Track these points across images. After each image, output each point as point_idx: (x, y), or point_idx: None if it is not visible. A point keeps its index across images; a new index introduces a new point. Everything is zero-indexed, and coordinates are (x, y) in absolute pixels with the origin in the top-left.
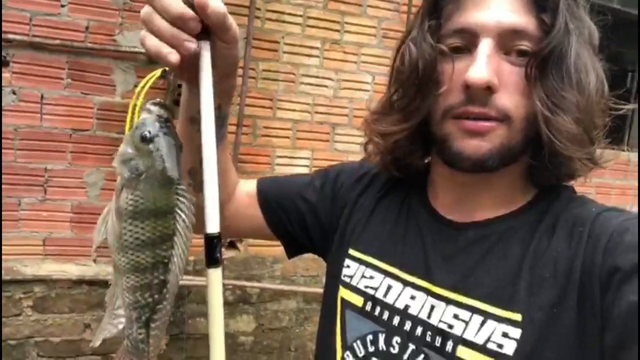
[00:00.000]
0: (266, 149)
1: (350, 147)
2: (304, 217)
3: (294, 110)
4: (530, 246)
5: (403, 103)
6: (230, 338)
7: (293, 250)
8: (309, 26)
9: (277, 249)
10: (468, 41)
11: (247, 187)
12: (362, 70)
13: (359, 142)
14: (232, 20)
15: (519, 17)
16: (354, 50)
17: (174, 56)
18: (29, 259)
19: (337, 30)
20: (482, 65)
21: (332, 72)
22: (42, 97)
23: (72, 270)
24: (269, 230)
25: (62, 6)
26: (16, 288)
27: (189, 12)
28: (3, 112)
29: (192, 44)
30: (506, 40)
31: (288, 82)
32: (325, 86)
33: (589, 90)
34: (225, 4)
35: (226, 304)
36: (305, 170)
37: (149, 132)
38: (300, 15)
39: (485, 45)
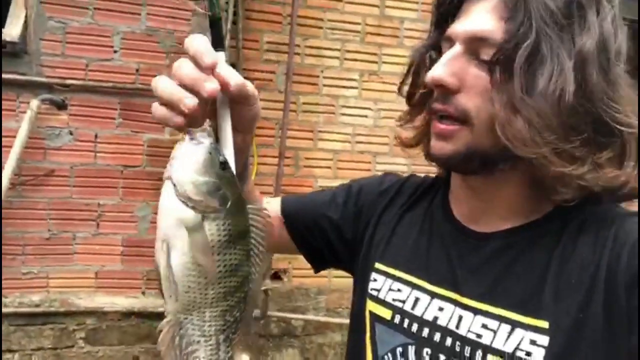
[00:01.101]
0: (308, 179)
1: None
2: (328, 234)
3: (334, 140)
4: (555, 252)
5: (413, 100)
6: None
7: (319, 265)
8: (347, 59)
9: (321, 279)
10: (450, 47)
11: (271, 206)
12: (402, 100)
13: (402, 171)
14: (249, 85)
15: (488, 25)
16: (392, 79)
17: (190, 101)
18: (82, 291)
19: (375, 62)
20: (439, 66)
21: (371, 102)
22: (96, 136)
23: (121, 302)
24: (294, 246)
25: (115, 52)
26: (70, 320)
27: (203, 76)
28: (60, 151)
29: (212, 84)
30: (473, 47)
31: (328, 113)
32: (365, 116)
33: (554, 95)
34: (267, 42)
35: (271, 336)
36: None
37: (224, 157)
38: (339, 49)
39: (454, 49)
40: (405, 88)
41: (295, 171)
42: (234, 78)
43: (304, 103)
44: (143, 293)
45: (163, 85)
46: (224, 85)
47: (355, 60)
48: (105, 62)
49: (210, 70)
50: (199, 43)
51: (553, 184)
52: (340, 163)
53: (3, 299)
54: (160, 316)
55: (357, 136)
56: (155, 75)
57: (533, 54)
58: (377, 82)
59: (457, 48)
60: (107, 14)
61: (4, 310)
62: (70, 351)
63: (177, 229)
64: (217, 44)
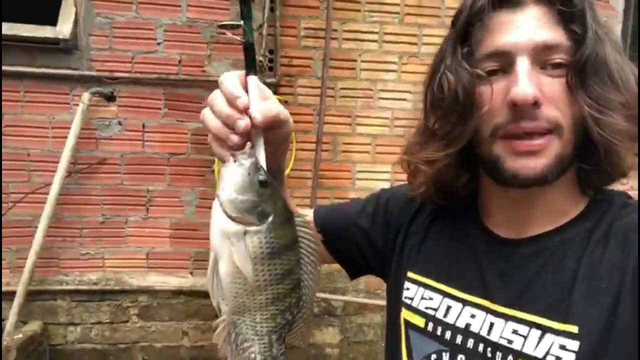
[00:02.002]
0: (346, 164)
1: None
2: (360, 244)
3: (373, 125)
4: (584, 258)
5: (446, 129)
6: (316, 349)
7: (354, 273)
8: (385, 42)
9: None
10: (503, 62)
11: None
12: None
13: None
14: (282, 112)
15: (549, 32)
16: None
17: (234, 138)
18: (134, 271)
19: (415, 44)
20: (525, 83)
21: (410, 85)
22: (143, 126)
23: (171, 281)
24: (329, 256)
25: (158, 44)
26: (124, 297)
27: (235, 114)
28: (111, 141)
29: (244, 122)
30: (540, 56)
31: (366, 98)
32: (404, 99)
33: (632, 88)
34: (304, 28)
35: (312, 315)
36: (386, 184)
37: (262, 176)
38: (377, 32)
39: (523, 63)
40: (435, 115)
41: (333, 156)
42: (263, 113)
43: (341, 88)
44: (191, 273)
45: (209, 123)
46: (254, 124)
47: (394, 42)
48: (149, 55)
49: (243, 111)
50: (230, 85)
51: (593, 176)
52: (378, 147)
53: (65, 277)
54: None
55: (395, 120)
56: (196, 66)
57: (602, 52)
58: (417, 64)
59: (526, 61)
60: (150, 7)
61: (66, 287)
62: (125, 326)
63: (222, 241)
64: (251, 68)
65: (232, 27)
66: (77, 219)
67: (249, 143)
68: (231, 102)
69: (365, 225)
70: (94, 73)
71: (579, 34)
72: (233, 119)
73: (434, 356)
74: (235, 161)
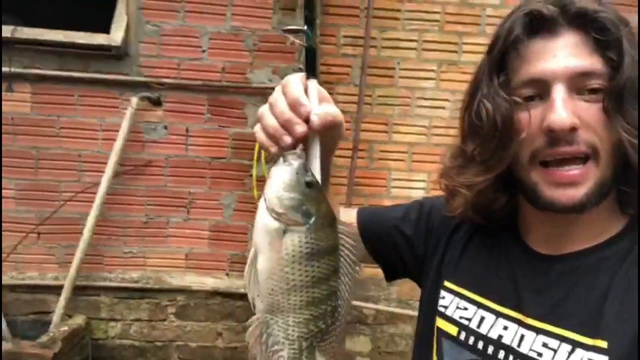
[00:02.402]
0: (382, 172)
1: None
2: (401, 248)
3: (409, 133)
4: (618, 275)
5: (485, 155)
6: (347, 358)
7: (391, 276)
8: (424, 50)
9: None
10: (540, 90)
11: (347, 217)
12: None
13: None
14: (339, 116)
15: (585, 60)
16: (471, 69)
17: (287, 139)
18: (174, 271)
19: (455, 52)
20: (562, 109)
21: (449, 93)
22: (187, 130)
23: (208, 282)
24: (369, 257)
25: (203, 51)
26: (163, 296)
27: (295, 119)
28: (157, 144)
29: (302, 128)
30: (577, 83)
31: (404, 105)
32: (443, 107)
33: None
34: (344, 36)
35: None
36: (421, 193)
37: (309, 177)
38: (416, 40)
39: (560, 90)
40: (475, 142)
41: (370, 164)
42: (321, 117)
43: (379, 96)
44: (227, 274)
45: (267, 121)
46: (312, 128)
47: (434, 50)
48: (194, 62)
49: (304, 117)
50: (295, 89)
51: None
52: (415, 156)
53: (108, 275)
54: (242, 297)
55: (433, 128)
56: (239, 73)
57: (634, 78)
58: (456, 72)
59: (562, 87)
60: (197, 15)
61: (109, 284)
62: (163, 324)
63: (263, 237)
64: (311, 71)
65: (295, 32)
66: (121, 218)
67: (300, 145)
68: (293, 106)
69: (408, 231)
70: (143, 79)
71: (615, 60)
72: (292, 124)
73: None
74: (285, 161)
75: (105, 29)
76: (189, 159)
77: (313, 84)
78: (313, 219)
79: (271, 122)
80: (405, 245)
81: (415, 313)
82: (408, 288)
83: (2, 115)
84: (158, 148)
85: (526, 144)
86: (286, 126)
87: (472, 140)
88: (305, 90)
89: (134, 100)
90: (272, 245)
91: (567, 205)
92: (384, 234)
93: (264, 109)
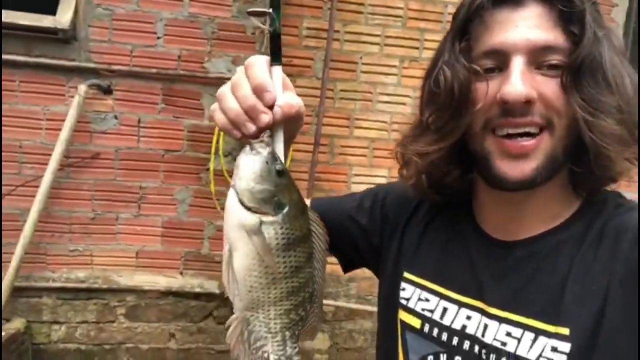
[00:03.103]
0: (343, 167)
1: None
2: (355, 238)
3: (371, 128)
4: (576, 259)
5: (440, 123)
6: (305, 356)
7: (347, 266)
8: (387, 45)
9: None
10: (500, 61)
11: None
12: None
13: None
14: (302, 107)
15: (547, 33)
16: None
17: (251, 126)
18: (123, 270)
19: (416, 48)
20: (518, 81)
21: (410, 90)
22: (139, 120)
23: (160, 281)
24: None
25: (158, 38)
26: (112, 296)
27: (261, 107)
28: (106, 135)
29: (267, 116)
30: (537, 57)
31: (365, 100)
32: (404, 104)
33: (627, 92)
34: (306, 28)
35: None
36: None
37: (280, 165)
38: (379, 35)
39: (518, 62)
40: (430, 110)
41: (330, 159)
42: (286, 107)
43: (341, 90)
44: (181, 273)
45: (228, 103)
46: (275, 118)
47: (396, 46)
48: (149, 48)
49: (268, 104)
50: (260, 73)
51: (585, 178)
52: (376, 151)
53: (51, 274)
54: (196, 296)
55: (394, 124)
56: (196, 62)
57: (597, 55)
58: (418, 68)
59: (521, 59)
60: (152, 0)
61: (53, 284)
62: (112, 326)
63: (238, 233)
64: (276, 57)
65: (260, 15)
66: (67, 214)
67: (267, 131)
68: (258, 92)
69: (362, 220)
70: (92, 65)
71: (576, 35)
72: (257, 111)
73: (431, 357)
74: (252, 149)
75: (52, 11)
76: (140, 152)
77: (278, 70)
78: (286, 208)
79: (233, 105)
80: (360, 235)
81: (374, 309)
82: (367, 284)
83: None
84: (107, 139)
85: (481, 114)
86: (250, 113)
87: (429, 108)
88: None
89: (82, 87)
90: (248, 240)
91: (516, 178)
92: (339, 224)
93: (225, 90)
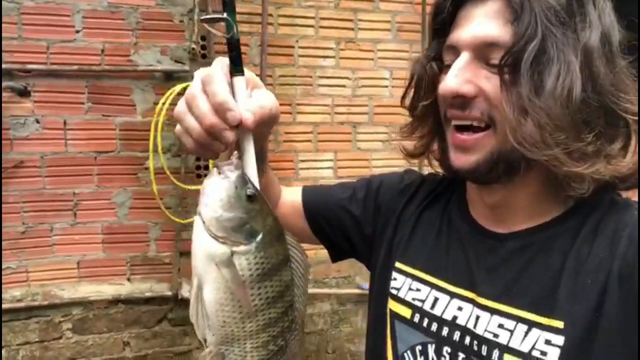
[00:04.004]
0: (289, 154)
1: (373, 145)
2: (347, 228)
3: (313, 113)
4: (571, 253)
5: (420, 111)
6: None
7: (336, 256)
8: (322, 27)
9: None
10: (455, 56)
11: (291, 197)
12: (380, 67)
13: (382, 140)
14: (274, 106)
15: (495, 29)
16: (369, 47)
17: (219, 146)
18: (65, 282)
19: (351, 29)
20: (451, 76)
21: (349, 72)
22: (64, 123)
23: (107, 290)
24: (314, 237)
25: (77, 32)
26: (55, 312)
27: (221, 124)
28: (28, 141)
29: (231, 135)
30: (483, 52)
31: (305, 85)
32: (344, 86)
33: (562, 95)
34: (238, 13)
35: None
36: (329, 173)
37: (251, 190)
38: (313, 17)
39: (462, 58)
40: (407, 100)
41: (276, 147)
42: (255, 114)
43: (280, 76)
44: (128, 279)
45: (188, 123)
46: (247, 126)
47: (331, 27)
48: (67, 44)
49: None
50: (218, 88)
51: (567, 182)
52: (320, 135)
53: None
54: (147, 301)
55: (336, 107)
56: (121, 55)
57: (540, 54)
58: (354, 49)
59: (466, 56)
60: None
61: None
62: (58, 343)
63: (207, 264)
64: (237, 66)
65: (214, 21)
66: None
67: (235, 152)
68: (219, 111)
69: (355, 211)
70: (3, 65)
71: (518, 32)
72: (218, 129)
73: (419, 347)
74: (219, 173)
75: None
76: (69, 156)
77: (241, 81)
78: (260, 236)
79: (193, 124)
80: (353, 225)
81: (331, 291)
82: (323, 267)
83: None
84: (30, 145)
85: (441, 105)
86: (212, 133)
87: (411, 98)
88: (231, 86)
89: None
90: (218, 273)
91: (459, 169)
92: (330, 213)
93: (182, 109)
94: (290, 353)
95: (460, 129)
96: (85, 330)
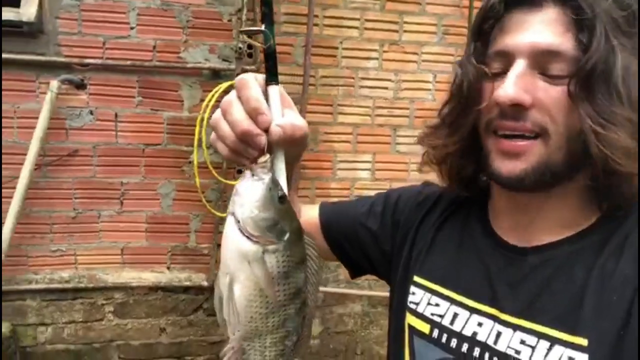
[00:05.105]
0: (328, 154)
1: (413, 149)
2: (366, 244)
3: (354, 114)
4: (595, 268)
5: (450, 118)
6: None
7: (355, 273)
8: (367, 29)
9: None
10: (506, 62)
11: (309, 214)
12: (424, 70)
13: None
14: (305, 128)
15: (555, 38)
16: (414, 49)
17: (253, 152)
18: (109, 267)
19: (396, 31)
20: (509, 84)
21: (392, 74)
22: (116, 115)
23: (148, 277)
24: (332, 254)
25: (132, 28)
26: (98, 295)
27: (254, 130)
28: (82, 131)
29: (263, 139)
30: (540, 61)
31: (347, 86)
32: (386, 88)
33: (635, 102)
34: (284, 13)
35: None
36: (367, 174)
37: (281, 191)
38: (358, 19)
39: (519, 65)
40: (445, 114)
41: (315, 146)
42: (286, 130)
43: (322, 76)
44: (168, 268)
45: (223, 132)
46: (276, 141)
47: (375, 29)
48: (122, 40)
49: (263, 127)
50: (253, 95)
51: (619, 187)
52: (360, 137)
53: (34, 276)
54: (185, 290)
55: (377, 109)
56: (172, 52)
57: (612, 65)
58: (398, 52)
59: (522, 63)
60: None
61: (36, 286)
62: (100, 324)
63: (239, 263)
64: (272, 76)
65: (254, 33)
66: (47, 214)
67: (267, 155)
68: (252, 116)
69: (373, 226)
70: (62, 59)
71: (584, 43)
72: (251, 136)
73: None
74: (253, 175)
75: (15, 3)
76: (119, 147)
77: (275, 90)
78: (287, 235)
79: (227, 132)
80: (371, 241)
81: (363, 292)
82: None
83: None
84: (84, 135)
85: (484, 113)
86: (244, 139)
87: (448, 104)
88: (266, 97)
89: (54, 83)
90: (250, 271)
91: (506, 176)
92: (349, 230)
93: (217, 117)
94: (300, 348)
95: (509, 136)
96: (126, 314)
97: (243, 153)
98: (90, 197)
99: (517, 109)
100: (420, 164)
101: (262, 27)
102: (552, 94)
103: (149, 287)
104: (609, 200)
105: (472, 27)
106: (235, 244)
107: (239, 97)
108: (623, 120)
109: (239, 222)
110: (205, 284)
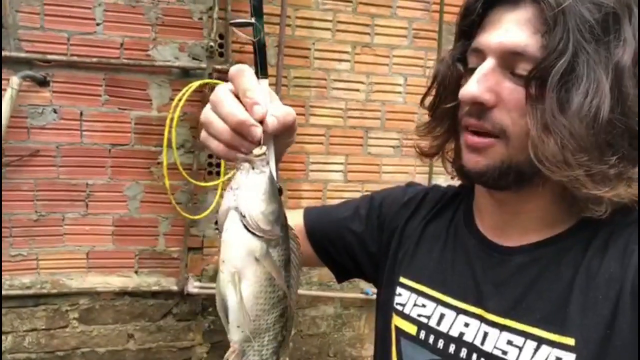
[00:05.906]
0: (300, 155)
1: (384, 151)
2: (352, 248)
3: (326, 116)
4: (581, 267)
5: (435, 112)
6: None
7: (342, 276)
8: (339, 31)
9: None
10: (480, 60)
11: (294, 219)
12: (395, 73)
13: (393, 145)
14: (292, 117)
15: (523, 38)
16: (385, 52)
17: (248, 146)
18: (74, 272)
19: (368, 34)
20: (473, 82)
21: (364, 76)
22: (81, 114)
23: (114, 282)
24: (317, 259)
25: (98, 24)
26: (62, 301)
27: (250, 120)
28: (45, 130)
29: (258, 130)
30: (508, 61)
31: (320, 87)
32: (357, 90)
33: (588, 115)
34: None
35: None
36: (339, 176)
37: (278, 184)
38: (330, 20)
39: (486, 64)
40: (429, 99)
41: None
42: (280, 119)
43: (295, 77)
44: (136, 272)
45: (216, 128)
46: (270, 127)
47: (348, 31)
48: (87, 36)
49: (259, 119)
50: (248, 85)
51: (585, 203)
52: (332, 139)
53: None
54: (154, 295)
55: (349, 111)
56: (140, 50)
57: (570, 70)
58: (370, 54)
59: (490, 62)
60: None
61: None
62: (64, 331)
63: (247, 259)
64: (261, 70)
65: (243, 25)
66: (6, 216)
67: (263, 147)
68: (248, 106)
69: (358, 229)
70: (24, 55)
71: (548, 45)
72: (246, 127)
73: None
74: (254, 168)
75: None
76: (84, 147)
77: (265, 83)
78: (283, 228)
79: (221, 127)
80: (357, 244)
81: (335, 294)
82: (328, 271)
83: None
84: (47, 135)
85: (460, 110)
86: (240, 131)
87: (433, 99)
88: None
89: (14, 80)
90: (257, 266)
91: (468, 170)
92: (334, 234)
93: (209, 113)
94: (286, 343)
95: (474, 132)
96: (91, 321)
97: (238, 146)
98: (53, 199)
99: (479, 108)
100: (418, 155)
101: (252, 20)
102: (516, 95)
103: (116, 292)
104: (580, 201)
105: (456, 22)
106: (241, 240)
107: (235, 86)
108: (561, 129)
109: (244, 217)
110: (175, 288)
